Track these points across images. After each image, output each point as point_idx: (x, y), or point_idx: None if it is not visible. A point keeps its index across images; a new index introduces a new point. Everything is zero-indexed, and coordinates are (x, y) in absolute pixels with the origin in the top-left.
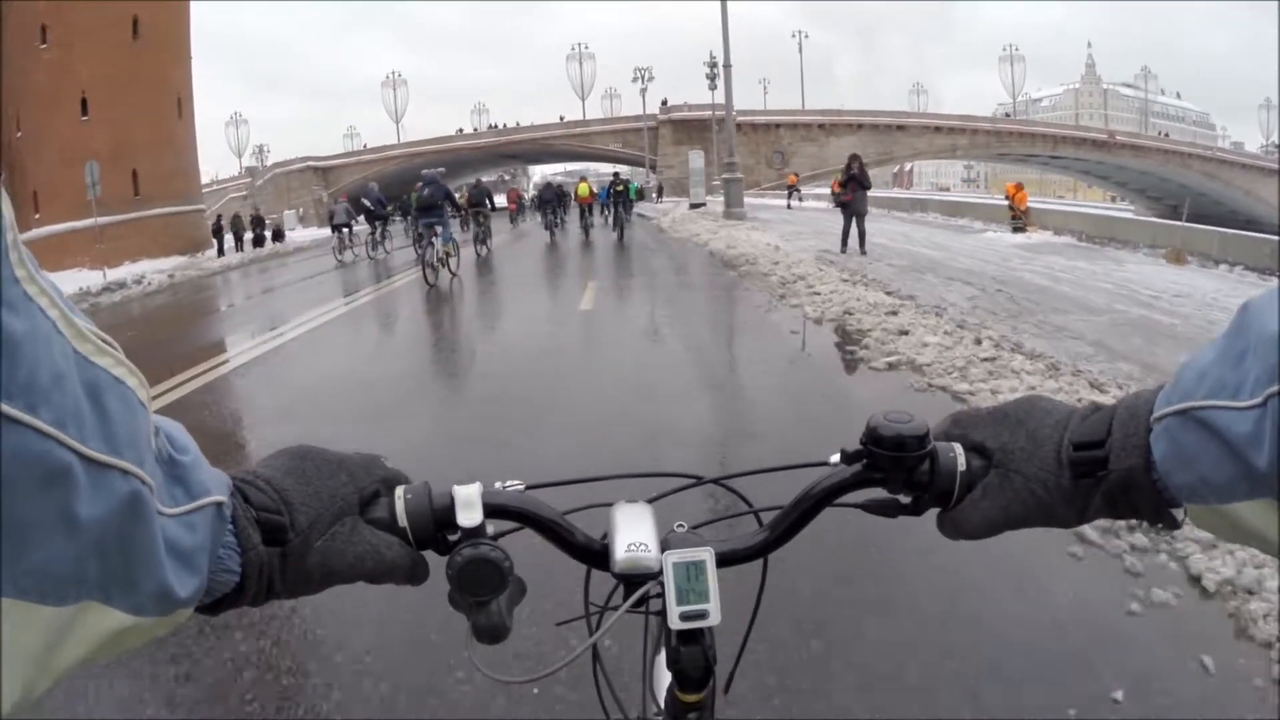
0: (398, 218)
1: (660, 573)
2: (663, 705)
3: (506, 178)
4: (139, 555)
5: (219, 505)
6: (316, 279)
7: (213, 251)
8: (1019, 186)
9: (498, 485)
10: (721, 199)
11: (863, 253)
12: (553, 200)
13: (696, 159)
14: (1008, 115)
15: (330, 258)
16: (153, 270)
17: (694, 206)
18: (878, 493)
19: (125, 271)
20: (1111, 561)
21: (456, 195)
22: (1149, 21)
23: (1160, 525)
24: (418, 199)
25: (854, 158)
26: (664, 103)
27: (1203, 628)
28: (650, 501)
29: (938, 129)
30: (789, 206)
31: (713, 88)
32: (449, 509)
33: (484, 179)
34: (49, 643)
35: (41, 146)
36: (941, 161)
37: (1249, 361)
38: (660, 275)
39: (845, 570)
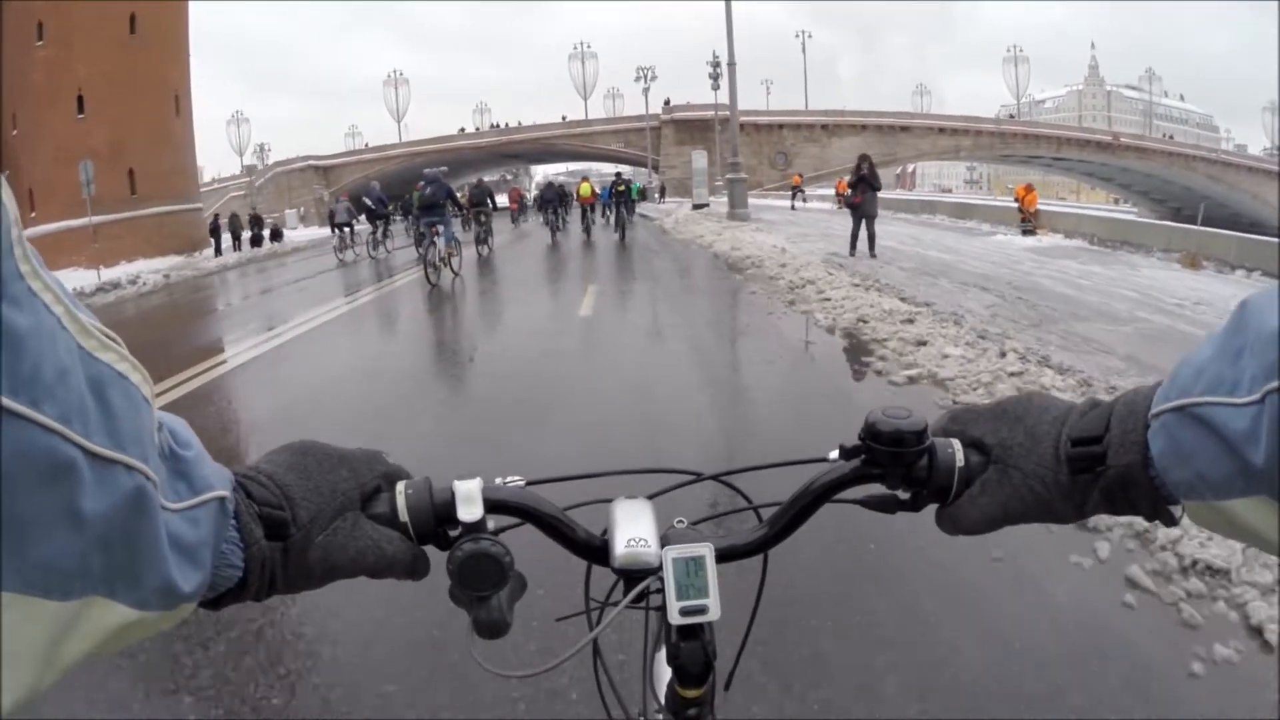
0: (398, 217)
1: (660, 568)
2: (663, 701)
3: (509, 177)
4: (143, 550)
5: (222, 500)
6: (317, 278)
7: (210, 251)
8: (1029, 188)
9: (498, 481)
10: (724, 200)
11: (872, 256)
12: (554, 200)
13: (700, 159)
14: (1011, 116)
15: (330, 257)
16: (148, 270)
17: (697, 207)
18: (876, 488)
19: (120, 271)
20: (1167, 611)
21: (458, 194)
22: (1149, 22)
23: (1158, 521)
24: (419, 198)
25: (864, 158)
26: (666, 102)
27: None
28: (650, 498)
29: (941, 130)
30: (793, 208)
31: (715, 87)
32: (450, 504)
33: (486, 178)
34: (54, 637)
35: (37, 144)
36: (944, 163)
37: (1246, 358)
38: (663, 279)
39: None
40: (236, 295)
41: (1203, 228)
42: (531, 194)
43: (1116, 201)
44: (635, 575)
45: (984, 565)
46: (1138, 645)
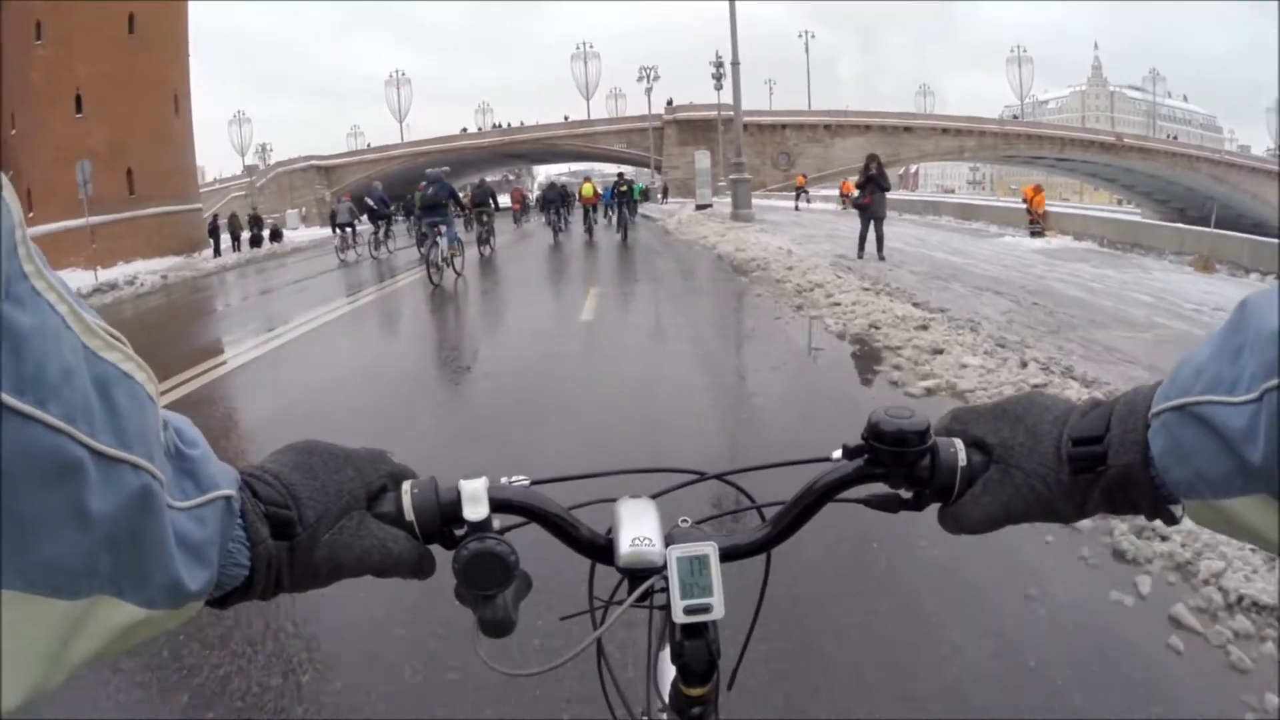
0: (400, 217)
1: (664, 567)
2: (667, 699)
3: (511, 178)
4: (150, 549)
5: (228, 499)
6: (318, 279)
7: (209, 252)
8: (1038, 189)
9: (503, 480)
10: (727, 200)
11: (880, 258)
12: (557, 201)
13: (703, 159)
14: (1015, 117)
15: (331, 257)
16: (146, 271)
17: (700, 208)
18: (879, 488)
19: (118, 272)
20: (1214, 655)
21: (460, 194)
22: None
23: (1159, 521)
24: (422, 198)
25: (872, 158)
26: (669, 103)
27: None
28: (654, 497)
29: (945, 130)
30: (797, 208)
31: (718, 87)
32: (455, 503)
33: (488, 179)
34: (62, 636)
35: (36, 144)
36: (947, 163)
37: (1246, 357)
38: (666, 281)
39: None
40: (236, 296)
41: (1215, 230)
42: (534, 194)
43: (1120, 202)
44: (640, 574)
45: (1019, 604)
46: (1188, 696)
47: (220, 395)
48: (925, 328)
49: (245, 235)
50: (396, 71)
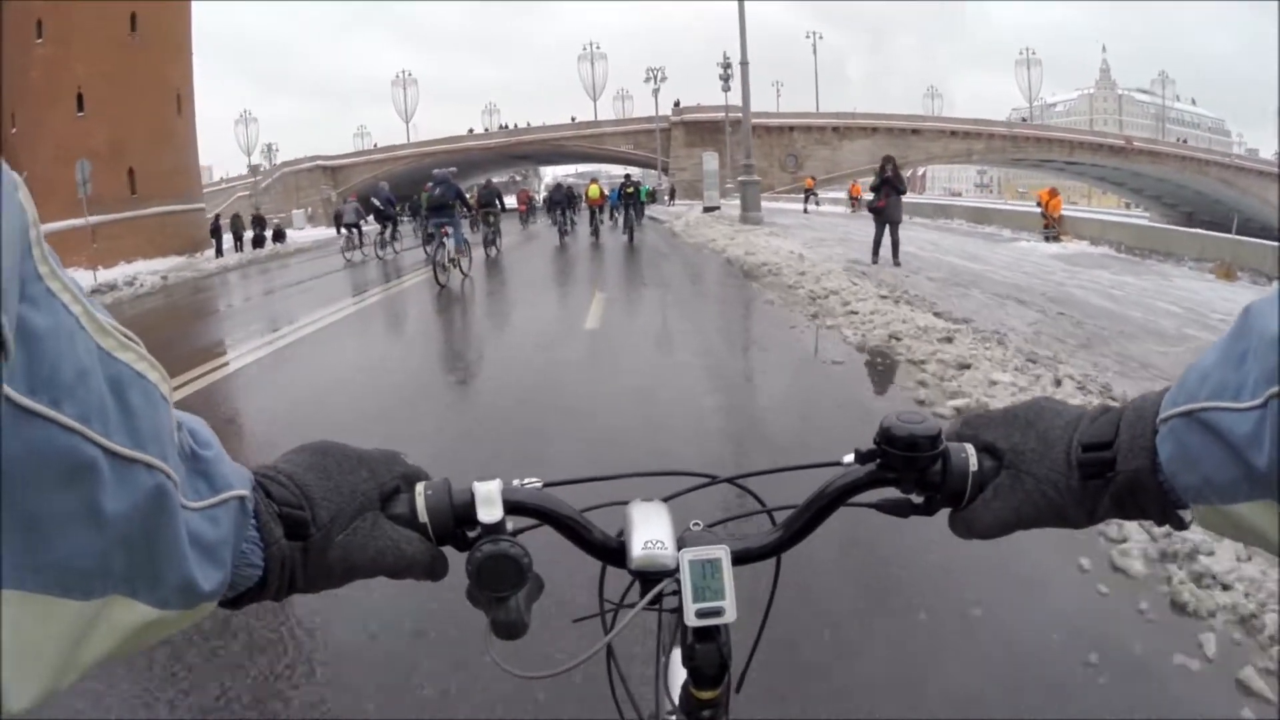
0: (406, 217)
1: (676, 570)
2: (677, 702)
3: (517, 179)
4: (164, 549)
5: (242, 499)
6: (323, 279)
7: (211, 252)
8: (1053, 193)
9: (516, 482)
10: (736, 202)
11: (896, 263)
12: (563, 202)
13: (711, 161)
14: (1023, 119)
15: (336, 258)
16: (146, 271)
17: (708, 210)
18: (891, 492)
19: (118, 272)
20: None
21: (467, 195)
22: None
23: (1168, 526)
24: (428, 199)
25: (888, 159)
26: (676, 104)
27: None
28: (666, 500)
29: (953, 133)
30: (805, 211)
31: (726, 88)
32: (469, 505)
33: (494, 179)
34: (76, 636)
35: (37, 143)
36: (955, 166)
37: (1249, 363)
38: (674, 286)
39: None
40: (238, 296)
41: (1236, 236)
42: (540, 195)
43: (1128, 206)
44: (652, 577)
45: (1082, 672)
46: None
47: (221, 396)
48: (950, 340)
49: (248, 235)
50: (403, 72)
